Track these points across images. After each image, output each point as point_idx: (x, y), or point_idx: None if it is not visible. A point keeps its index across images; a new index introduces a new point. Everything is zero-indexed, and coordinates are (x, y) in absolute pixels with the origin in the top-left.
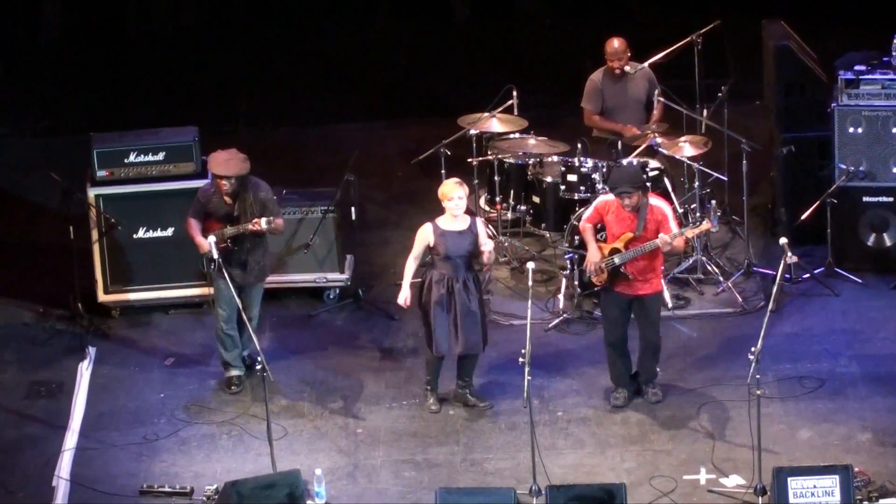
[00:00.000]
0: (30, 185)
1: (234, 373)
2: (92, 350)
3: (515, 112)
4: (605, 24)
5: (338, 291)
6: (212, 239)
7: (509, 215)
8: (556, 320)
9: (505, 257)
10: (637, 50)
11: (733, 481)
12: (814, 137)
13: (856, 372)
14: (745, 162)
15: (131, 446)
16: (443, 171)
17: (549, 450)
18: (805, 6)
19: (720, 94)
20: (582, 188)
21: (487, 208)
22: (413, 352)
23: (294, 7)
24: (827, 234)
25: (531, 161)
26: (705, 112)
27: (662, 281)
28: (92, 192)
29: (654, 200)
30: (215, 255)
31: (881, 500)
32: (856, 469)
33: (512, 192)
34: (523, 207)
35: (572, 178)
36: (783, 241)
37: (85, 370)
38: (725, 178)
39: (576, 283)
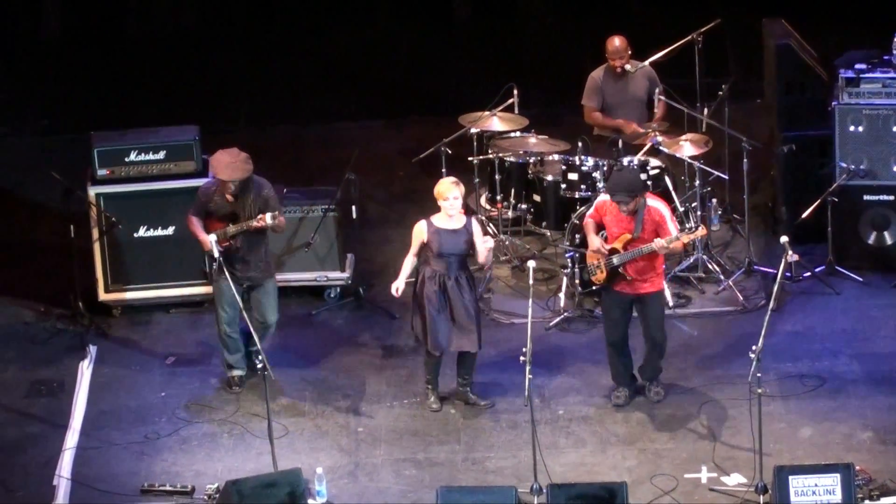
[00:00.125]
0: (30, 184)
1: (236, 373)
2: (93, 349)
3: (516, 111)
4: (606, 23)
5: (339, 290)
6: (212, 237)
7: (510, 214)
8: (557, 319)
9: (506, 256)
10: (637, 48)
11: (734, 480)
12: (814, 136)
13: (857, 370)
14: (745, 160)
15: (132, 445)
16: (443, 170)
17: (550, 448)
18: (805, 5)
19: (721, 93)
20: (583, 187)
21: (488, 207)
22: (414, 350)
23: (295, 6)
24: (828, 232)
25: (532, 160)
26: (706, 111)
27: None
28: (92, 191)
29: (652, 201)
30: (216, 254)
31: (882, 499)
32: (857, 467)
33: (512, 190)
34: (524, 206)
35: (573, 176)
36: (784, 239)
37: (86, 369)
38: (726, 177)
39: (576, 281)
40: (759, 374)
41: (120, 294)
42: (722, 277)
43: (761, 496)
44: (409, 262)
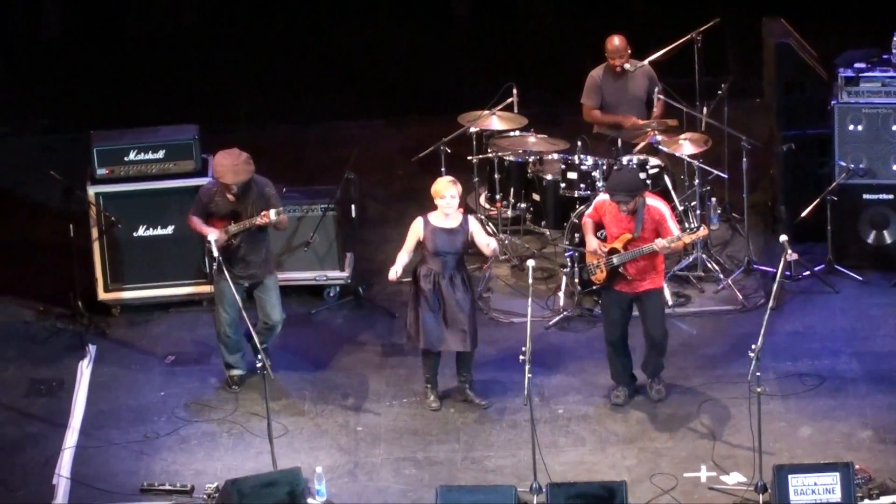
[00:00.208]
0: (30, 184)
1: (236, 372)
2: (92, 348)
3: (515, 110)
4: (606, 22)
5: (338, 289)
6: (212, 237)
7: (509, 213)
8: (557, 318)
9: (505, 255)
10: (637, 47)
11: (734, 479)
12: (814, 135)
13: (856, 369)
14: (745, 159)
15: (132, 444)
16: (443, 169)
17: (550, 447)
18: (805, 4)
19: (720, 92)
20: (582, 186)
21: (487, 206)
22: (413, 350)
23: (295, 5)
24: (827, 231)
25: (531, 159)
26: (705, 110)
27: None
28: (92, 191)
29: (652, 200)
30: (216, 253)
31: (882, 498)
32: (856, 466)
33: (512, 189)
34: (523, 205)
35: (572, 175)
36: (783, 238)
37: (85, 368)
38: (726, 176)
39: (576, 280)
40: (758, 373)
41: (119, 293)
42: (721, 276)
43: (761, 495)
44: (403, 257)
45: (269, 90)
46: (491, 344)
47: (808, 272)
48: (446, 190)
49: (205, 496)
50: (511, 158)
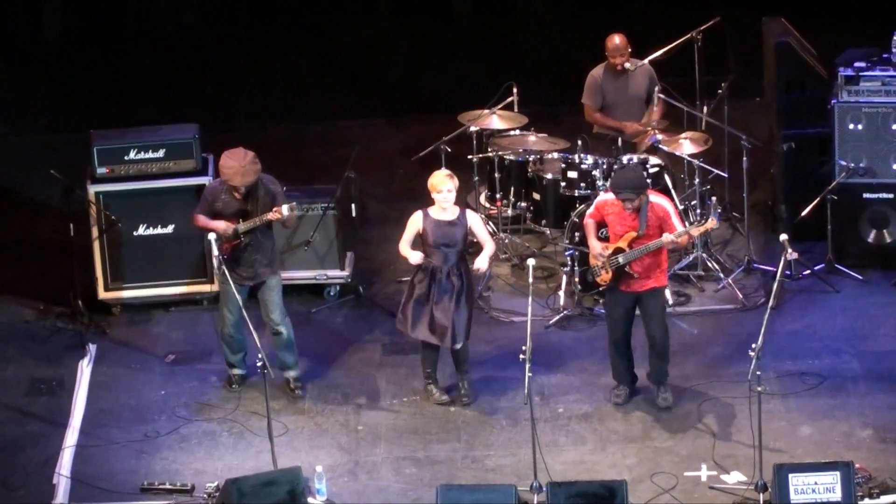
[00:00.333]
0: (30, 183)
1: (237, 372)
2: (92, 347)
3: (516, 109)
4: (606, 21)
5: (338, 288)
6: (212, 236)
7: (509, 212)
8: (557, 317)
9: (505, 254)
10: (637, 46)
11: (734, 478)
12: (814, 134)
13: (857, 368)
14: (745, 158)
15: (132, 443)
16: (443, 168)
17: (550, 446)
18: (805, 3)
19: (720, 91)
20: (582, 185)
21: (488, 205)
22: (414, 349)
23: (295, 4)
24: (827, 230)
25: (531, 158)
26: (706, 109)
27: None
28: (92, 190)
29: (655, 197)
30: (215, 252)
31: (882, 497)
32: (857, 465)
33: (512, 188)
34: (523, 204)
35: (572, 174)
36: (783, 237)
37: (85, 367)
38: (726, 175)
39: (576, 279)
40: (758, 372)
41: (119, 292)
42: (721, 275)
43: (761, 494)
44: (406, 247)
45: (268, 89)
46: (491, 343)
47: (808, 271)
48: (443, 184)
49: (205, 495)
50: (511, 157)
